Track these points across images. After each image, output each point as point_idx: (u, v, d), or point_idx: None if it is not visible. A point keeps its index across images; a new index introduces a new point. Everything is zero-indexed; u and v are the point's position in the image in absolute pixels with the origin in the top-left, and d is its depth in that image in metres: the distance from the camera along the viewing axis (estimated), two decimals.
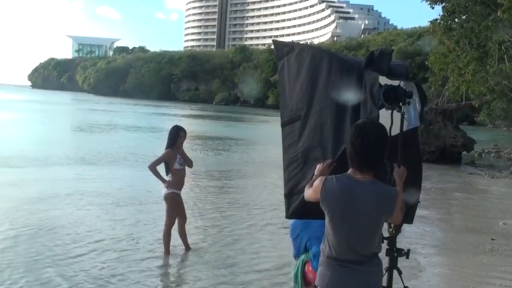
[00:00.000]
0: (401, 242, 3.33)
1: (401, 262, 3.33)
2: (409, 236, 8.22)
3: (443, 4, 20.64)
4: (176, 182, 7.01)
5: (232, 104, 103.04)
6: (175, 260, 7.01)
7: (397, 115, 3.27)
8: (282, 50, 3.86)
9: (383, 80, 3.29)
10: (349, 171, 2.97)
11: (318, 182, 2.99)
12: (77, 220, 8.68)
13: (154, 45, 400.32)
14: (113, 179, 13.39)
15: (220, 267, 6.69)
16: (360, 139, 2.88)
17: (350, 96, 3.36)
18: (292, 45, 3.90)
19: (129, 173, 14.87)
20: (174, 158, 6.95)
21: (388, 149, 3.02)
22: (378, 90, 3.21)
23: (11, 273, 6.03)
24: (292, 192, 3.60)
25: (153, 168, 6.97)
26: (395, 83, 3.34)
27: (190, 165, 7.21)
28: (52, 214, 8.98)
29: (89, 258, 6.72)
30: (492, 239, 8.65)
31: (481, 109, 27.80)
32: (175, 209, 7.08)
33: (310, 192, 3.09)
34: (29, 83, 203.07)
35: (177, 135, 7.04)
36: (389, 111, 3.25)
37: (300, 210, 3.57)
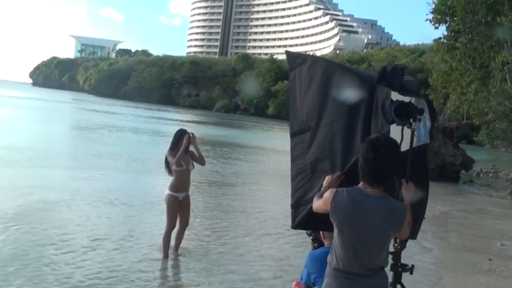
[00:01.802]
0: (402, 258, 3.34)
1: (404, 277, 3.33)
2: (407, 253, 8.22)
3: (447, 24, 20.75)
4: (174, 184, 7.00)
5: (232, 112, 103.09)
6: (171, 264, 7.00)
7: (407, 131, 3.29)
8: (295, 60, 3.88)
9: (394, 96, 3.31)
10: (359, 185, 2.99)
11: (328, 194, 3.00)
12: (73, 221, 8.66)
13: (157, 49, 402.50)
14: (114, 181, 13.37)
15: (218, 273, 6.68)
16: (373, 153, 2.89)
17: (361, 110, 3.38)
18: (305, 56, 3.93)
19: (133, 176, 14.85)
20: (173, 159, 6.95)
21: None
22: (390, 105, 3.24)
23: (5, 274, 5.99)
24: (299, 202, 3.61)
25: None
26: (407, 99, 3.35)
27: (202, 162, 7.21)
28: (47, 215, 8.96)
29: (85, 259, 6.71)
30: (489, 259, 8.66)
31: (480, 129, 27.92)
32: (171, 212, 7.03)
33: (319, 204, 3.10)
34: (30, 81, 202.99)
35: (180, 138, 7.05)
36: (400, 127, 3.27)
37: (306, 221, 3.58)
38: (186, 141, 6.92)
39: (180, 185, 7.01)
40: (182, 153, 6.87)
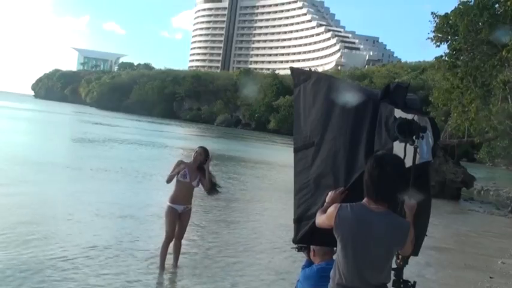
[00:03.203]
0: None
1: None
2: (408, 270, 8.20)
3: (449, 42, 20.89)
4: (173, 195, 7.02)
5: (234, 126, 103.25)
6: (168, 277, 6.99)
7: (409, 148, 3.32)
8: (299, 77, 3.92)
9: (398, 113, 3.35)
10: (363, 201, 3.01)
11: (332, 209, 3.03)
12: (74, 231, 8.67)
13: (159, 63, 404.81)
14: (115, 193, 13.39)
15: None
16: (378, 170, 2.92)
17: (365, 126, 3.42)
18: (310, 73, 3.98)
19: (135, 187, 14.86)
20: (181, 169, 6.98)
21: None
22: (393, 122, 3.28)
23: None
24: (302, 217, 3.63)
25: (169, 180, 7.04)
26: (410, 116, 3.40)
27: (206, 187, 7.10)
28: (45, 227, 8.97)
29: (81, 271, 6.71)
30: (490, 277, 8.64)
31: (481, 146, 27.94)
32: (168, 223, 7.03)
33: (323, 219, 3.12)
34: (32, 93, 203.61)
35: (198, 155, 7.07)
36: (403, 144, 3.31)
37: (309, 236, 3.59)
38: (200, 157, 7.00)
39: (178, 196, 7.00)
40: (203, 175, 6.98)
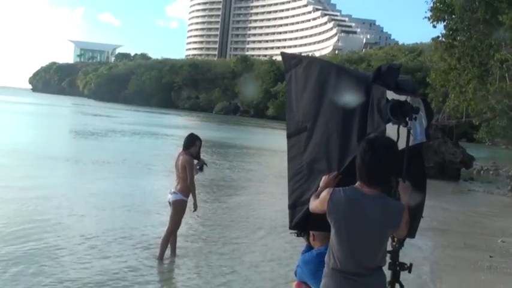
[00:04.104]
0: (401, 256, 3.34)
1: (402, 275, 3.34)
2: (407, 251, 8.22)
3: (446, 22, 20.74)
4: (186, 189, 6.97)
5: (232, 114, 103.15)
6: (166, 267, 7.01)
7: (403, 130, 3.29)
8: (290, 62, 3.88)
9: (390, 95, 3.32)
10: (356, 184, 2.98)
11: (325, 194, 3.01)
12: (71, 223, 8.67)
13: (155, 52, 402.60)
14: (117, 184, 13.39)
15: (216, 275, 6.68)
16: (370, 153, 2.89)
17: (357, 109, 3.39)
18: (301, 57, 3.93)
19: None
20: (191, 163, 6.96)
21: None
22: (385, 104, 3.24)
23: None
24: (296, 203, 3.61)
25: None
26: (402, 98, 3.37)
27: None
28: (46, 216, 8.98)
29: (80, 261, 6.72)
30: (490, 257, 8.65)
31: (480, 126, 27.91)
32: (181, 217, 7.07)
33: (316, 204, 3.10)
34: (30, 86, 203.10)
35: (192, 141, 7.06)
36: (396, 126, 3.28)
37: (304, 222, 3.58)
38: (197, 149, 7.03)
39: (188, 190, 7.02)
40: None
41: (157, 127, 42.84)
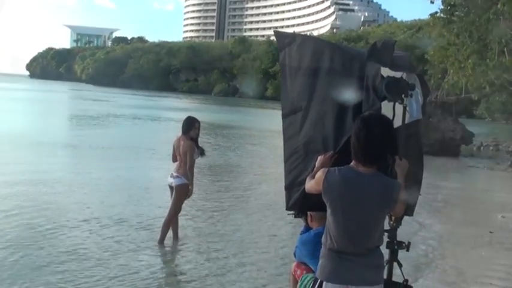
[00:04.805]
0: (400, 235, 3.32)
1: (401, 254, 3.33)
2: (407, 228, 8.23)
3: None
4: (187, 173, 6.92)
5: (231, 95, 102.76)
6: (169, 250, 7.02)
7: (399, 107, 3.25)
8: (284, 40, 3.82)
9: (385, 72, 3.26)
10: (351, 164, 2.94)
11: (320, 174, 2.97)
12: (69, 204, 8.68)
13: (152, 35, 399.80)
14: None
15: (217, 257, 6.69)
16: (365, 132, 2.84)
17: (352, 87, 3.33)
18: (294, 35, 3.86)
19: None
20: (193, 148, 6.92)
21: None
22: (380, 81, 3.19)
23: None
24: (293, 184, 3.58)
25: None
26: (398, 74, 3.31)
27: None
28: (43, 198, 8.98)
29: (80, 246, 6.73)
30: (490, 232, 8.66)
31: (480, 102, 27.84)
32: (183, 200, 7.07)
33: (311, 184, 3.07)
34: (27, 73, 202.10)
35: (191, 124, 7.01)
36: (392, 103, 3.23)
37: (301, 203, 3.56)
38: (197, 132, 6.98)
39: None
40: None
41: (157, 110, 42.73)
